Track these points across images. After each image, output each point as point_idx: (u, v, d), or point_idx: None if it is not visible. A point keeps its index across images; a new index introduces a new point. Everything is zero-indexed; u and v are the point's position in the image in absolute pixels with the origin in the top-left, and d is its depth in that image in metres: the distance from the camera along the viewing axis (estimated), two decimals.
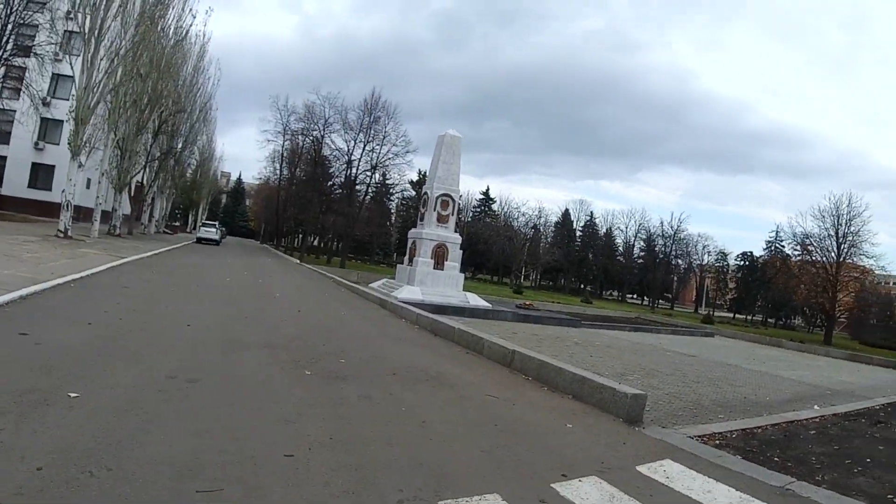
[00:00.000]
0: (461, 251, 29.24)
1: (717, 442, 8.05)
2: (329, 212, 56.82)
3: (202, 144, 74.74)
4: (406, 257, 29.71)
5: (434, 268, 27.40)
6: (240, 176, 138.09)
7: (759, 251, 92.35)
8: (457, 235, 28.77)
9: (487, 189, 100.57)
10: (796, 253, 58.15)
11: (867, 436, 10.23)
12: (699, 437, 8.09)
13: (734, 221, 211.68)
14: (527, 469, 5.61)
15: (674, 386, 13.25)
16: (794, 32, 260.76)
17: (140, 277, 17.95)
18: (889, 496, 6.68)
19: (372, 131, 55.37)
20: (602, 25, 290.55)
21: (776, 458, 7.62)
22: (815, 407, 12.94)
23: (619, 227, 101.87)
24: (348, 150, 56.39)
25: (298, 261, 49.79)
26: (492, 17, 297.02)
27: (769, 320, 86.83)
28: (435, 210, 27.96)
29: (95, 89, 29.29)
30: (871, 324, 61.11)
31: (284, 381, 7.71)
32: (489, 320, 23.39)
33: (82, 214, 41.53)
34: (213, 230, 56.73)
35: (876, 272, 52.51)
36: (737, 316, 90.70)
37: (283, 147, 61.29)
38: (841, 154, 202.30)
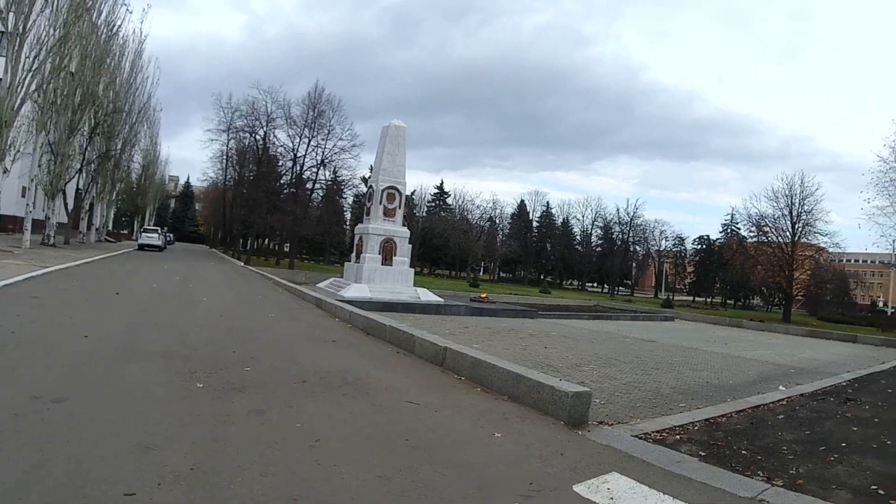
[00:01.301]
0: (410, 245, 28.26)
1: (678, 437, 7.05)
2: (276, 212, 54.70)
3: (145, 147, 72.49)
4: (353, 254, 28.49)
5: (382, 263, 26.31)
6: (188, 179, 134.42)
7: (715, 235, 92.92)
8: (405, 229, 27.78)
9: (441, 183, 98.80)
10: (752, 234, 58.08)
11: (838, 416, 9.36)
12: (658, 432, 7.09)
13: (689, 207, 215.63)
14: (432, 499, 4.42)
15: (632, 374, 12.30)
16: (742, 21, 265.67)
17: (57, 287, 16.44)
18: (873, 486, 5.78)
19: (316, 126, 53.33)
20: (552, 19, 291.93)
21: (744, 451, 6.66)
22: (781, 388, 12.16)
23: (575, 217, 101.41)
24: (293, 146, 54.54)
25: (243, 264, 47.79)
26: (442, 12, 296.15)
27: (728, 301, 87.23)
28: (381, 204, 26.84)
29: (19, 88, 27.60)
30: (827, 300, 61.48)
31: (167, 396, 6.42)
32: (441, 316, 22.44)
33: (17, 225, 39.44)
34: (156, 236, 53.98)
35: (830, 250, 52.39)
36: (696, 299, 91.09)
37: (227, 146, 59.02)
38: (789, 139, 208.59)
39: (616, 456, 5.86)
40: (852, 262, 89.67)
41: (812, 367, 17.00)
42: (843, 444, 7.45)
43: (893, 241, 43.85)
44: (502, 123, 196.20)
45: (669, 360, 15.59)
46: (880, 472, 6.31)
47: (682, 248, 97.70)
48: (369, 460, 5.00)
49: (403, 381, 8.60)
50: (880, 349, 27.25)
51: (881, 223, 40.53)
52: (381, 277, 25.84)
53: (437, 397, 7.71)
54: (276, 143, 55.90)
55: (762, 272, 51.76)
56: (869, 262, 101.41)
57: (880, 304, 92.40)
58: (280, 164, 57.95)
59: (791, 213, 47.55)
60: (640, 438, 6.69)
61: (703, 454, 6.36)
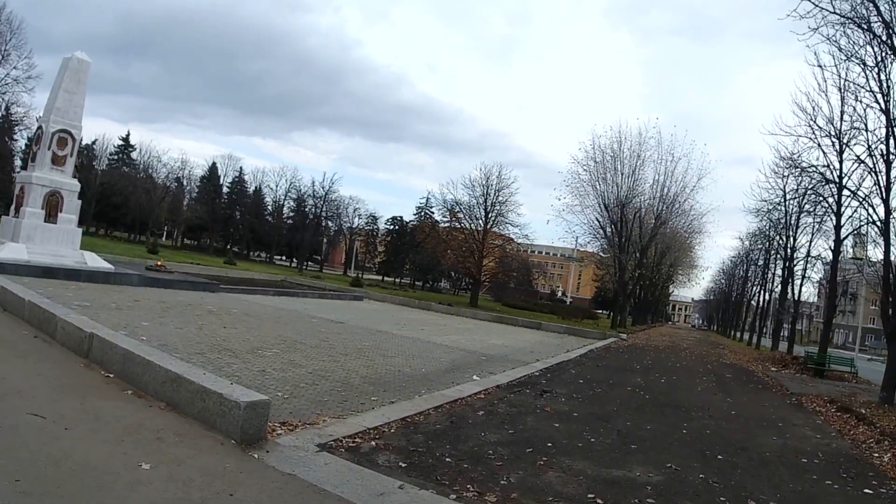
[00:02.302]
0: (80, 202, 24.72)
1: (374, 442, 6.25)
2: None
3: None
4: (12, 207, 24.25)
5: (46, 220, 22.77)
6: None
7: (409, 217, 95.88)
8: (75, 181, 24.18)
9: (128, 135, 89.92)
10: (445, 220, 60.34)
11: (538, 411, 9.32)
12: (350, 438, 6.23)
13: (386, 188, 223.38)
14: None
15: (319, 361, 11.50)
16: (461, 16, 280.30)
17: None
18: (590, 495, 5.56)
19: None
20: None
21: (448, 459, 6.09)
22: (475, 377, 12.19)
23: (269, 186, 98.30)
24: None
25: None
26: None
27: (417, 283, 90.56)
28: (50, 149, 23.03)
29: None
30: (511, 287, 66.04)
31: None
32: (110, 285, 20.15)
33: None
34: None
35: (518, 241, 56.00)
36: (385, 279, 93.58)
37: None
38: (487, 133, 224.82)
39: (304, 492, 4.70)
40: (537, 253, 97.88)
41: (502, 355, 17.48)
42: (550, 445, 7.23)
43: (576, 237, 48.38)
44: (203, 79, 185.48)
45: (359, 344, 15.06)
46: (593, 477, 6.14)
47: (375, 227, 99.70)
48: None
49: (33, 381, 6.69)
50: (563, 336, 29.49)
51: (569, 220, 45.10)
52: (43, 237, 22.43)
53: (73, 405, 5.95)
54: None
55: (453, 257, 53.97)
56: (552, 254, 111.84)
57: (559, 294, 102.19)
58: None
59: (486, 202, 50.04)
60: (331, 449, 5.74)
61: (403, 465, 5.63)
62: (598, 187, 42.73)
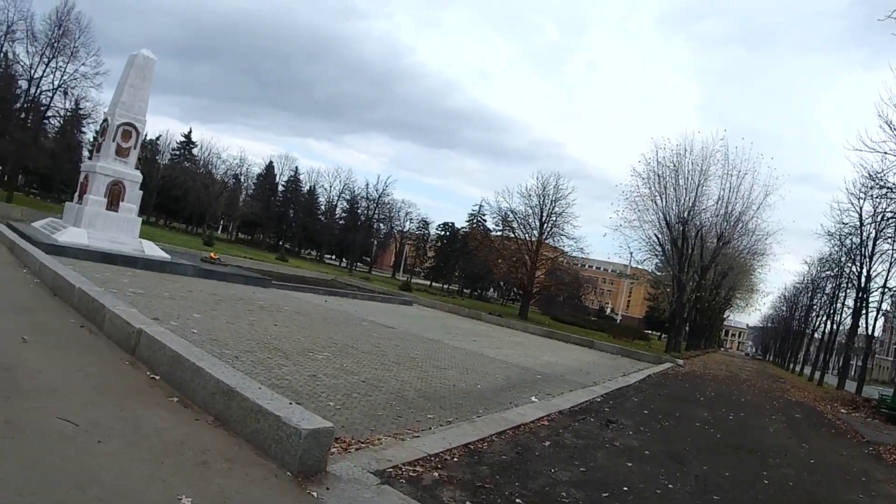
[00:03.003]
0: (142, 192, 25.26)
1: (437, 473, 5.68)
2: (3, 137, 47.59)
3: None
4: (76, 193, 24.99)
5: (107, 208, 23.33)
6: None
7: (460, 223, 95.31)
8: (137, 173, 24.71)
9: (190, 132, 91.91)
10: (498, 228, 59.56)
11: (608, 446, 8.62)
12: (411, 465, 5.68)
13: (436, 193, 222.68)
14: None
15: (371, 369, 10.99)
16: (512, 24, 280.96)
17: None
18: None
19: (60, 45, 46.63)
20: None
21: (518, 500, 5.46)
22: (533, 399, 11.56)
23: (323, 186, 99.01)
24: (30, 65, 47.32)
25: None
26: None
27: (465, 290, 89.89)
28: (114, 141, 23.71)
29: None
30: (559, 301, 64.97)
31: None
32: (165, 274, 20.27)
33: None
34: None
35: (573, 254, 54.75)
36: (434, 284, 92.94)
37: None
38: (538, 142, 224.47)
39: None
40: (587, 267, 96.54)
41: (557, 374, 16.80)
42: (626, 489, 6.57)
43: (631, 253, 47.18)
44: (260, 82, 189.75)
45: (411, 353, 14.52)
46: None
47: (426, 231, 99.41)
48: None
49: (71, 378, 6.09)
50: (616, 357, 28.60)
51: (627, 234, 43.46)
52: (104, 224, 22.91)
53: (110, 411, 5.33)
54: (14, 59, 48.71)
55: (505, 266, 53.17)
56: (603, 269, 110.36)
57: (608, 311, 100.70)
58: (18, 84, 50.54)
59: (542, 212, 49.13)
60: (391, 479, 5.17)
61: None
62: (658, 202, 41.41)
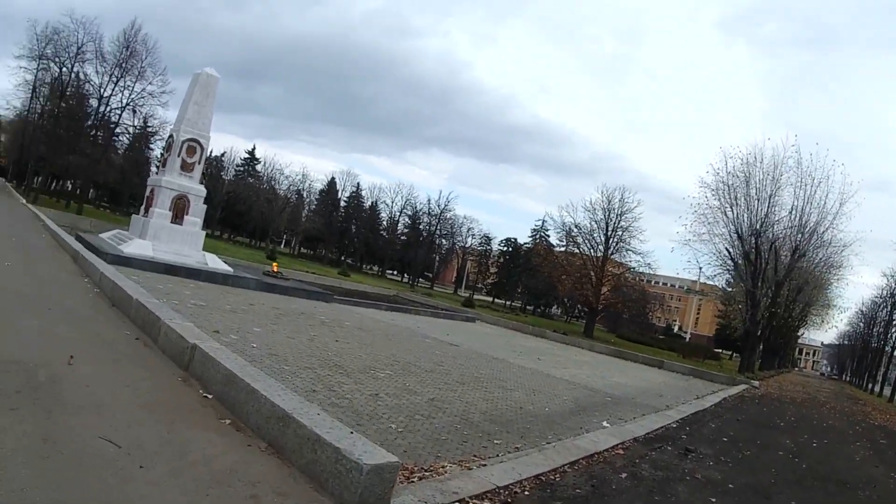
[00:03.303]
0: (206, 206, 25.95)
1: None
2: (75, 152, 49.51)
3: None
4: (143, 207, 25.85)
5: (172, 221, 24.00)
6: None
7: (522, 238, 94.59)
8: (201, 187, 25.35)
9: (253, 148, 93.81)
10: (562, 243, 58.68)
11: (688, 479, 7.98)
12: (478, 499, 5.17)
13: (496, 208, 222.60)
14: None
15: (435, 389, 10.61)
16: (569, 37, 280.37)
17: None
18: None
19: (127, 65, 49.37)
20: (383, 6, 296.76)
21: None
22: (605, 424, 11.04)
23: (384, 202, 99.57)
24: (100, 84, 50.02)
25: (25, 201, 42.39)
26: None
27: (528, 307, 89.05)
28: (179, 156, 24.48)
29: None
30: (624, 318, 63.60)
31: None
32: (228, 287, 20.53)
33: None
34: None
35: (641, 269, 53.16)
36: (496, 300, 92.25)
37: (36, 76, 52.23)
38: (599, 155, 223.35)
39: None
40: (653, 283, 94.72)
41: (628, 396, 16.14)
42: None
43: (700, 268, 45.81)
44: (320, 101, 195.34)
45: (475, 372, 14.10)
46: None
47: (488, 247, 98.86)
48: None
49: (119, 393, 5.77)
50: (688, 379, 27.60)
51: (697, 249, 41.98)
52: (169, 236, 23.51)
53: (157, 432, 4.96)
54: (84, 79, 51.56)
55: (570, 283, 52.17)
56: (669, 285, 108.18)
57: (676, 328, 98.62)
58: (89, 103, 52.65)
59: (607, 226, 48.14)
60: None
61: None
62: (729, 214, 39.82)
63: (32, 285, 10.69)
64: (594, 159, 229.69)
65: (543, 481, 6.24)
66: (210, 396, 6.26)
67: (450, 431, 7.76)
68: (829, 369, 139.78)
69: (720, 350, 76.78)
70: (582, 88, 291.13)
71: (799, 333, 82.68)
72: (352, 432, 4.91)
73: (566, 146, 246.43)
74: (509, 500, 5.42)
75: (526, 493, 5.73)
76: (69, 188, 70.99)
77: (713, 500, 7.14)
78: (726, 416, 16.30)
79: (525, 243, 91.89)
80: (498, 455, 7.04)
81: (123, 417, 5.07)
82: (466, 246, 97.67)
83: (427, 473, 5.55)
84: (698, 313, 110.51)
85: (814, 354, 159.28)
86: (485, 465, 6.29)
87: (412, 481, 5.20)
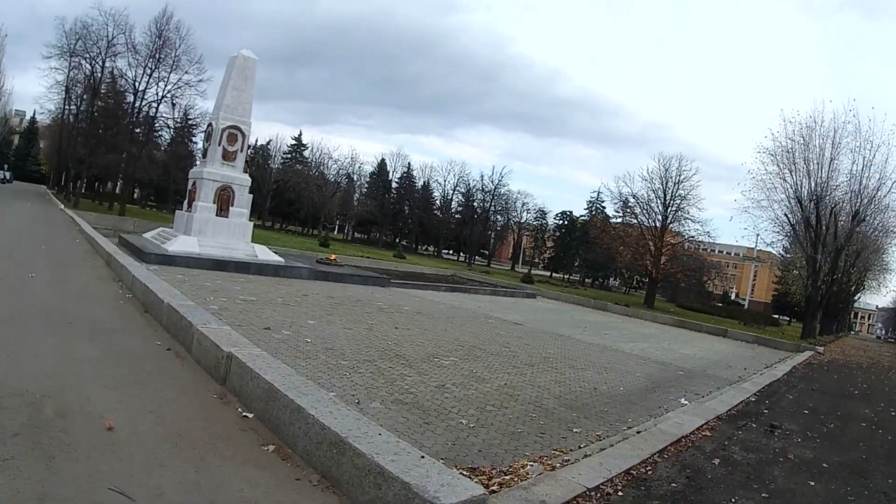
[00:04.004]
0: (251, 196, 24.67)
1: None
2: (114, 151, 48.87)
3: None
4: (185, 202, 24.74)
5: (217, 214, 22.81)
6: (34, 115, 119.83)
7: (578, 211, 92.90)
8: (246, 176, 24.18)
9: (300, 134, 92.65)
10: (618, 214, 57.43)
11: (781, 460, 7.27)
12: None
13: (548, 182, 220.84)
14: None
15: (503, 374, 9.97)
16: (615, 5, 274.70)
17: None
18: None
19: (161, 55, 47.13)
20: None
21: None
22: (683, 401, 10.35)
23: (437, 181, 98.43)
24: (134, 78, 48.10)
25: (63, 206, 41.85)
26: None
27: (587, 280, 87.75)
28: (220, 145, 23.15)
29: None
30: (682, 287, 62.07)
31: None
32: (280, 279, 19.65)
33: None
34: None
35: (700, 238, 51.51)
36: (554, 275, 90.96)
37: (68, 75, 50.56)
38: (649, 125, 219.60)
39: None
40: (708, 251, 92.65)
41: (699, 369, 15.39)
42: None
43: (758, 235, 44.40)
44: (365, 82, 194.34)
45: (543, 351, 13.44)
46: None
47: (544, 221, 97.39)
48: None
49: (140, 425, 4.80)
50: (754, 347, 26.64)
51: (756, 215, 40.64)
52: (215, 230, 22.40)
53: (182, 475, 4.02)
54: (117, 73, 49.82)
55: (629, 254, 50.95)
56: (725, 252, 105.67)
57: (732, 296, 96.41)
58: (125, 98, 51.59)
59: (665, 195, 46.87)
60: None
61: None
62: (788, 179, 38.41)
63: (56, 297, 9.79)
64: (645, 129, 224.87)
65: (635, 476, 5.57)
66: (250, 416, 5.36)
67: (525, 422, 7.13)
68: (884, 332, 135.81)
69: (778, 316, 74.80)
70: (630, 58, 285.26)
71: (855, 298, 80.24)
72: (423, 457, 3.99)
73: (615, 118, 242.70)
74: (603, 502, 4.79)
75: (619, 493, 5.06)
76: (110, 190, 70.40)
77: (811, 483, 6.45)
78: (800, 385, 15.41)
79: (581, 216, 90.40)
80: (580, 447, 6.41)
81: (142, 458, 4.18)
82: (522, 221, 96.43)
83: (507, 477, 4.92)
84: (754, 280, 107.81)
85: (869, 318, 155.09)
86: (569, 462, 5.64)
87: (492, 490, 4.55)
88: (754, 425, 9.07)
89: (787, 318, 76.84)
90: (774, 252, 54.58)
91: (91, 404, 5.06)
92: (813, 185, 37.66)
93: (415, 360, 9.71)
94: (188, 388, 6.01)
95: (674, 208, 46.96)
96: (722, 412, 9.47)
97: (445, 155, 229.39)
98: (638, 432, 7.33)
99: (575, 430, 7.16)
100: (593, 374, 11.47)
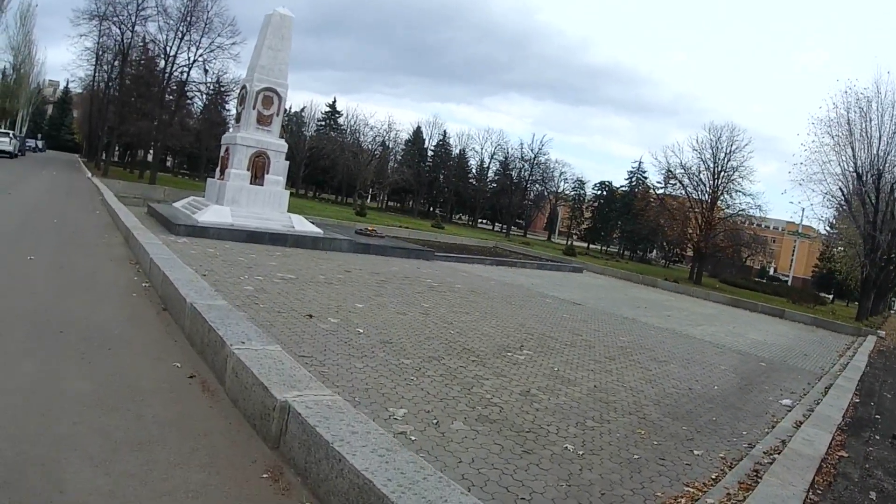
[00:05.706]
0: (287, 162, 23.37)
1: None
2: (145, 118, 47.75)
3: (16, 45, 62.75)
4: (217, 169, 23.31)
5: (251, 182, 21.37)
6: (67, 84, 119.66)
7: (617, 182, 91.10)
8: (282, 142, 22.63)
9: (334, 101, 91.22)
10: (660, 185, 55.76)
11: None
12: None
13: (580, 151, 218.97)
14: None
15: (587, 370, 8.84)
16: None
17: None
18: None
19: (192, 18, 45.38)
20: None
21: None
22: (784, 402, 9.23)
23: (473, 149, 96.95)
24: (165, 42, 46.58)
25: (90, 175, 41.06)
26: None
27: (626, 252, 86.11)
28: (255, 109, 21.55)
29: None
30: (722, 261, 60.34)
31: None
32: (318, 251, 18.69)
33: None
34: (6, 140, 46.10)
35: (751, 211, 49.56)
36: (591, 246, 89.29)
37: (98, 41, 49.25)
38: (683, 95, 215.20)
39: None
40: (748, 224, 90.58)
41: (779, 359, 14.19)
42: None
43: (803, 209, 42.76)
44: (394, 51, 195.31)
45: (616, 340, 12.28)
46: None
47: (582, 192, 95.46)
48: None
49: None
50: (814, 330, 25.09)
51: (811, 189, 38.78)
52: (249, 199, 21.01)
53: None
54: (148, 37, 48.64)
55: (678, 227, 49.35)
56: (765, 226, 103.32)
57: (771, 271, 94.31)
58: (156, 63, 50.57)
59: (715, 166, 45.17)
60: None
61: None
62: (847, 152, 36.02)
63: (52, 290, 7.78)
64: (676, 99, 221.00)
65: None
66: None
67: (637, 443, 5.95)
68: None
69: (822, 294, 72.81)
70: (663, 25, 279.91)
71: None
72: None
73: (646, 86, 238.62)
74: None
75: None
76: (142, 158, 68.47)
77: None
78: (889, 380, 14.09)
79: (620, 186, 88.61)
80: (713, 478, 5.28)
81: None
82: (559, 191, 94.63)
83: None
84: (794, 255, 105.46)
85: None
86: None
87: None
88: (878, 437, 7.88)
89: (831, 296, 74.85)
90: (818, 228, 52.67)
91: (62, 499, 3.06)
92: (873, 157, 35.60)
93: (486, 356, 8.50)
94: (219, 457, 3.82)
95: (724, 180, 45.21)
96: (837, 419, 8.23)
97: (476, 123, 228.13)
98: (765, 452, 6.18)
99: (696, 452, 5.99)
100: (678, 369, 10.30)
